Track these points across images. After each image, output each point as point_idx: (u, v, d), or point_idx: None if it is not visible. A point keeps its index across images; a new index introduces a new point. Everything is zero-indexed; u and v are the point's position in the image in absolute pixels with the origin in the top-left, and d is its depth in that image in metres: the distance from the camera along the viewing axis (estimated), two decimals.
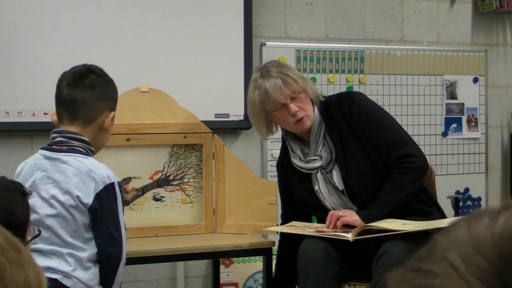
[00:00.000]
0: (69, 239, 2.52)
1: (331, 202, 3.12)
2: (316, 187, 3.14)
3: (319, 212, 3.19)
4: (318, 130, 3.13)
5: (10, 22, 3.86)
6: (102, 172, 2.52)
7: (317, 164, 3.12)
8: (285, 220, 3.35)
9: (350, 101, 3.14)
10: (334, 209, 3.11)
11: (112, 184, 2.52)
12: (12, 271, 0.82)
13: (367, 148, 3.08)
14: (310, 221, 3.33)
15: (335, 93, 3.58)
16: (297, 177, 3.20)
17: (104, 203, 2.50)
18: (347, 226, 3.01)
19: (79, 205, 2.50)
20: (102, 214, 2.50)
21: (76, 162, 2.52)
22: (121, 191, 2.58)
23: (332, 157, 3.11)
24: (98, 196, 2.49)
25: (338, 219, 3.02)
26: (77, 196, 2.49)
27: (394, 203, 3.01)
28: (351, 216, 3.01)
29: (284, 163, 3.28)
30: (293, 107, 3.04)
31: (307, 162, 3.14)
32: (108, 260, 2.55)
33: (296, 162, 3.17)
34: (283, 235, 3.30)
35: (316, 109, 3.14)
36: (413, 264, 0.76)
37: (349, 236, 2.87)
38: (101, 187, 2.49)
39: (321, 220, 3.21)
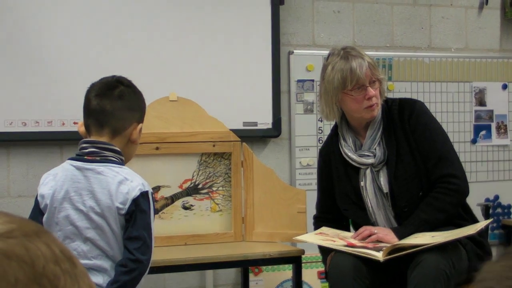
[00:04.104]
0: (111, 252, 2.50)
1: (373, 202, 3.11)
2: (362, 183, 3.12)
3: (355, 209, 3.17)
4: (377, 127, 3.14)
5: (40, 33, 3.89)
6: (137, 180, 2.51)
7: (370, 160, 3.11)
8: (321, 210, 3.33)
9: (412, 108, 3.15)
10: (373, 209, 3.11)
11: (147, 192, 2.51)
12: (66, 282, 0.82)
13: (417, 158, 3.08)
14: (342, 217, 3.29)
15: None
16: (343, 168, 3.19)
17: (139, 207, 2.48)
18: (377, 240, 3.02)
19: (119, 216, 2.48)
20: (137, 217, 2.47)
21: (111, 172, 2.51)
22: (153, 201, 2.56)
23: (384, 158, 3.11)
24: (134, 201, 2.47)
25: (370, 235, 3.02)
26: (117, 208, 2.47)
27: (433, 224, 3.01)
28: (386, 235, 3.00)
29: (329, 151, 3.26)
30: (371, 90, 3.06)
31: (360, 156, 3.13)
32: (136, 265, 2.47)
33: (348, 152, 3.15)
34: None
35: (379, 106, 3.15)
36: None
37: (380, 256, 2.86)
38: (137, 194, 2.48)
39: (353, 218, 3.23)
